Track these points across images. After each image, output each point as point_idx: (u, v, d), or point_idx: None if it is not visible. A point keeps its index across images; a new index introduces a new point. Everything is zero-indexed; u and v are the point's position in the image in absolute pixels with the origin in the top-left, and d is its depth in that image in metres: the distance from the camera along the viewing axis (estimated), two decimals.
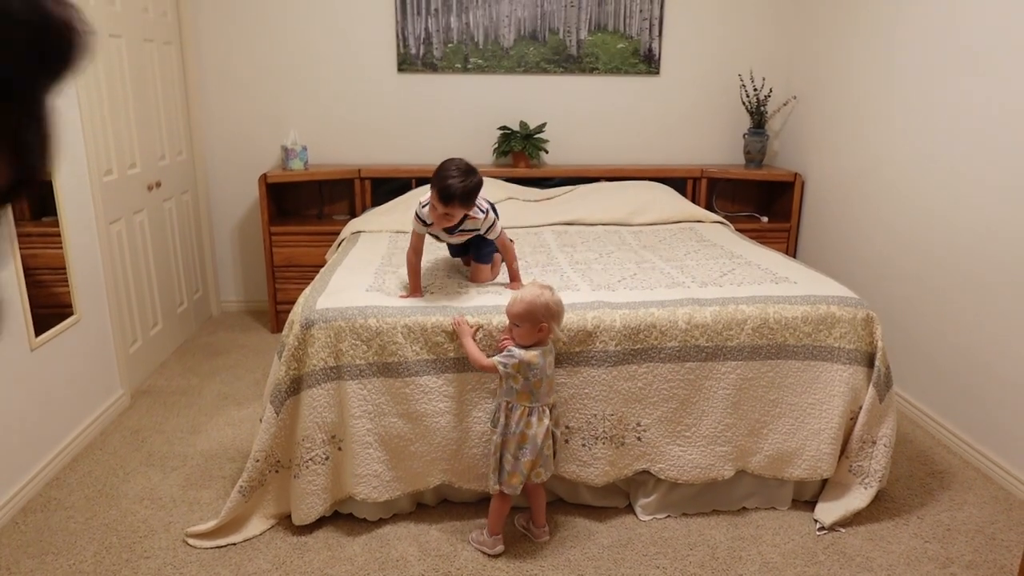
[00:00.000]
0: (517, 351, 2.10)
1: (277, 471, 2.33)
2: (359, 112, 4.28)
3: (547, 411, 2.16)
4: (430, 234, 2.55)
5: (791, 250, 4.25)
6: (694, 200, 4.27)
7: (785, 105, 4.31)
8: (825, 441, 2.41)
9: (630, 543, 2.32)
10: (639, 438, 2.37)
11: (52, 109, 0.54)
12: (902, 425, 3.08)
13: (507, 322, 2.19)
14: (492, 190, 3.92)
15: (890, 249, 3.37)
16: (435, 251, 3.01)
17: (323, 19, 4.12)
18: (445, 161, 2.34)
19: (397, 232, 3.50)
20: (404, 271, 2.67)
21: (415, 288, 2.45)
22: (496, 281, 2.67)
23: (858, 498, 2.43)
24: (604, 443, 2.35)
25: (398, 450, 2.30)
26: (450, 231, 2.49)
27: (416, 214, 2.48)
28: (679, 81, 4.36)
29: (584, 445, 2.35)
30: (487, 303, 2.38)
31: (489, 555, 2.23)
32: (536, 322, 2.10)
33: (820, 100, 3.98)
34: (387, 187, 4.21)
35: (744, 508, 2.51)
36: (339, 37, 4.15)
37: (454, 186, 2.25)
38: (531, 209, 3.86)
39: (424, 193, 2.55)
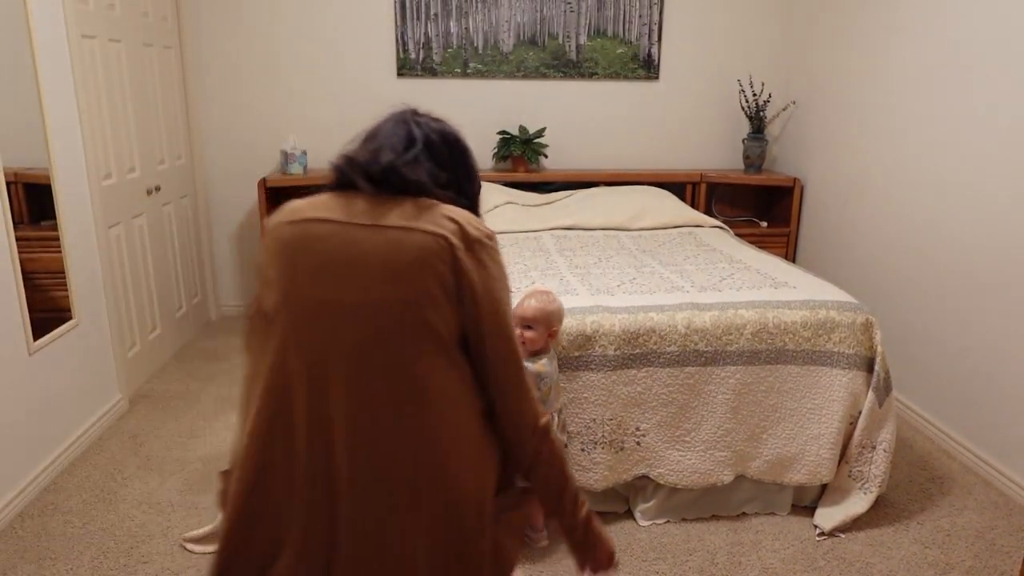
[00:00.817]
0: (528, 365, 2.09)
1: None
2: (359, 117, 4.24)
3: (555, 417, 2.17)
4: None
5: (790, 255, 4.25)
6: (693, 205, 4.27)
7: (784, 110, 4.32)
8: (824, 446, 2.40)
9: (629, 548, 2.32)
10: (638, 443, 2.37)
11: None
12: (902, 430, 3.07)
13: None
14: (492, 194, 3.92)
15: (889, 254, 3.37)
16: None
17: (323, 24, 4.13)
18: None
19: None
20: None
21: None
22: None
23: (858, 503, 2.42)
24: (603, 448, 2.34)
25: None
26: None
27: None
28: (678, 86, 4.37)
29: (583, 450, 2.34)
30: None
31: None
32: (550, 325, 2.11)
33: (819, 105, 3.99)
34: None
35: (744, 513, 2.51)
36: (339, 42, 4.16)
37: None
38: (530, 213, 3.86)
39: None
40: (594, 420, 2.33)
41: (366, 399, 1.04)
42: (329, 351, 1.05)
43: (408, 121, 1.20)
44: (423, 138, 1.17)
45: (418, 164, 1.14)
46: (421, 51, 4.18)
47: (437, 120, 1.22)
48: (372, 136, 1.19)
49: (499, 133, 4.26)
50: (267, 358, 1.09)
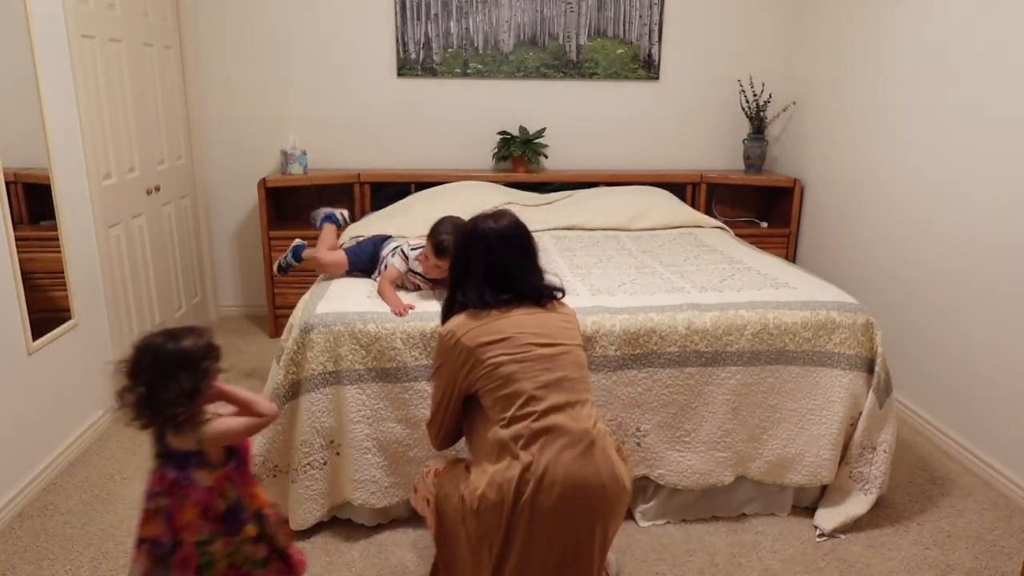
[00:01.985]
0: None
1: (275, 476, 2.32)
2: (359, 117, 4.28)
3: None
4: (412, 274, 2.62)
5: (791, 255, 4.25)
6: (693, 205, 4.27)
7: (784, 111, 4.32)
8: (825, 447, 2.40)
9: (629, 549, 2.31)
10: (638, 443, 2.36)
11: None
12: (902, 431, 3.07)
13: None
14: (491, 195, 3.92)
15: (889, 254, 3.37)
16: None
17: (323, 24, 4.13)
18: (444, 218, 2.45)
19: (396, 237, 3.49)
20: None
21: (400, 303, 2.42)
22: None
23: (858, 504, 2.42)
24: None
25: (396, 455, 2.29)
26: (433, 280, 2.58)
27: (404, 254, 2.58)
28: (678, 86, 4.36)
29: None
30: None
31: None
32: None
33: (820, 105, 3.99)
34: (386, 192, 4.21)
35: (744, 514, 2.51)
36: (339, 42, 4.16)
37: (448, 242, 2.38)
38: (530, 214, 3.84)
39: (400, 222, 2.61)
40: None
41: (563, 390, 1.72)
42: (542, 373, 1.71)
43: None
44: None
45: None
46: (421, 51, 4.18)
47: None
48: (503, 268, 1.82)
49: (499, 133, 4.26)
50: (507, 403, 1.69)
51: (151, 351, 1.52)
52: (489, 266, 1.79)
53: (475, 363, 1.71)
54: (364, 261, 2.77)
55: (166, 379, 1.49)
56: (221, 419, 1.56)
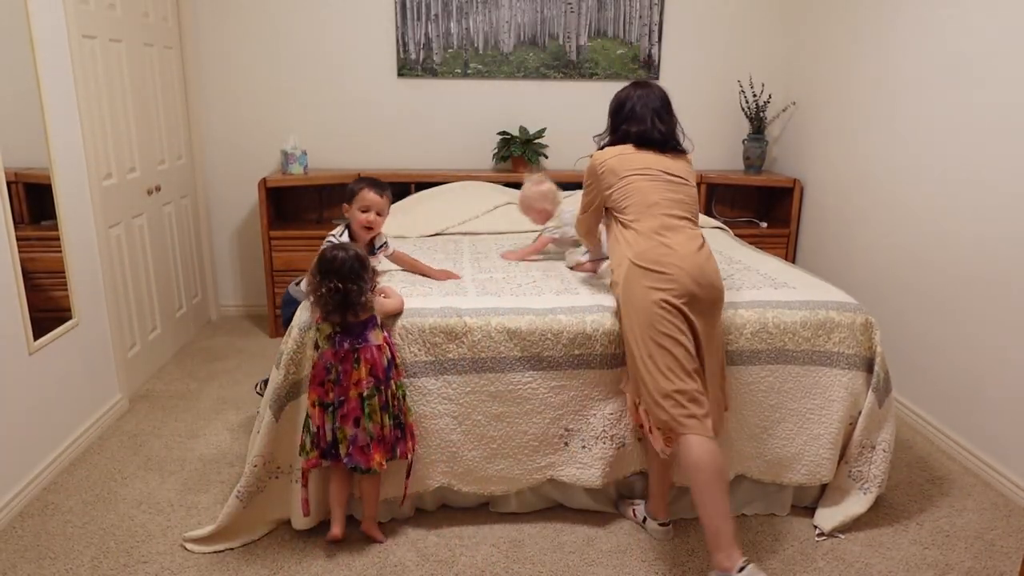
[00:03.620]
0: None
1: (276, 477, 2.32)
2: (359, 117, 4.28)
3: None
4: None
5: (790, 255, 4.25)
6: None
7: (784, 111, 4.32)
8: (824, 446, 2.40)
9: (629, 549, 2.32)
10: (639, 439, 2.37)
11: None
12: (901, 431, 3.08)
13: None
14: (491, 195, 3.92)
15: (889, 254, 3.37)
16: (428, 260, 3.00)
17: (323, 24, 4.13)
18: (359, 179, 2.55)
19: (396, 237, 3.50)
20: (401, 276, 2.68)
21: (439, 273, 2.73)
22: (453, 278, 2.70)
23: (857, 504, 2.42)
24: (604, 444, 2.34)
25: None
26: (371, 250, 2.57)
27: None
28: (678, 87, 4.36)
29: (584, 447, 2.34)
30: (486, 305, 2.38)
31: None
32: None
33: (819, 106, 3.99)
34: None
35: (743, 514, 2.51)
36: (339, 42, 4.16)
37: (379, 183, 2.53)
38: None
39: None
40: (595, 416, 2.33)
41: (680, 208, 2.29)
42: (667, 191, 2.28)
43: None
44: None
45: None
46: (421, 51, 4.19)
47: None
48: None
49: (499, 134, 4.26)
50: (639, 208, 2.24)
51: (337, 260, 2.09)
52: (641, 114, 2.50)
53: (615, 181, 2.29)
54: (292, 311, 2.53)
55: (356, 277, 2.08)
56: (380, 300, 2.23)
